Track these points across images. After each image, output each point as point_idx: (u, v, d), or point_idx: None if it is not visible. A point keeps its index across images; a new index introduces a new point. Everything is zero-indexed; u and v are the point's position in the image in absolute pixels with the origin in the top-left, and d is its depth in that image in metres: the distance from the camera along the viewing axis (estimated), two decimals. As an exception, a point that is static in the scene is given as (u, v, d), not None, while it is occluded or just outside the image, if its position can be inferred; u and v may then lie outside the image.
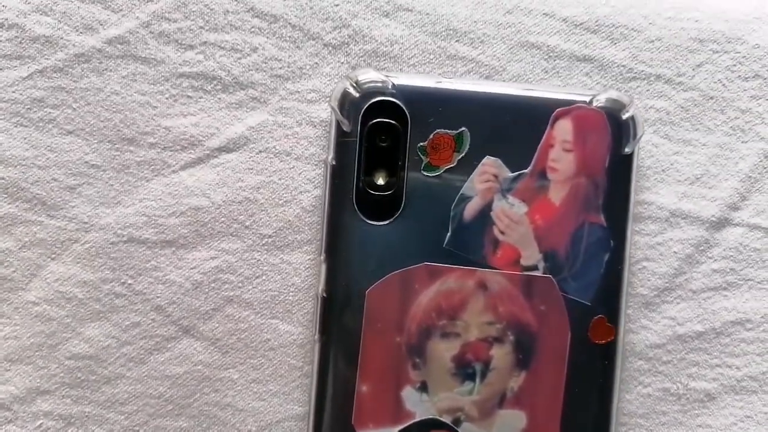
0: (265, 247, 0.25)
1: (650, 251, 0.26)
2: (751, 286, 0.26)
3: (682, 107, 0.26)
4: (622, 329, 0.25)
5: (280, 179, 0.25)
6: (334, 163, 0.24)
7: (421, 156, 0.24)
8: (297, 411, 0.26)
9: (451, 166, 0.24)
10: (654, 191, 0.26)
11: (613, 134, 0.24)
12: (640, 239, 0.26)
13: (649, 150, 0.26)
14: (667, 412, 0.26)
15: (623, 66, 0.26)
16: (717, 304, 0.26)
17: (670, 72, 0.26)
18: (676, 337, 0.26)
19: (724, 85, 0.26)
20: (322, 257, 0.24)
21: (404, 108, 0.24)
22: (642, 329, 0.26)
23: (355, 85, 0.24)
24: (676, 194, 0.26)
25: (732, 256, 0.26)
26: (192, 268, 0.25)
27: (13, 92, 0.25)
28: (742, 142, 0.26)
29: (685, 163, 0.26)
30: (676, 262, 0.26)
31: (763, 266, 0.26)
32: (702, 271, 0.26)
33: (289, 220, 0.25)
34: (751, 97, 0.26)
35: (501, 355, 0.25)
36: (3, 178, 0.25)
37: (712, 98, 0.26)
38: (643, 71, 0.26)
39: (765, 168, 0.26)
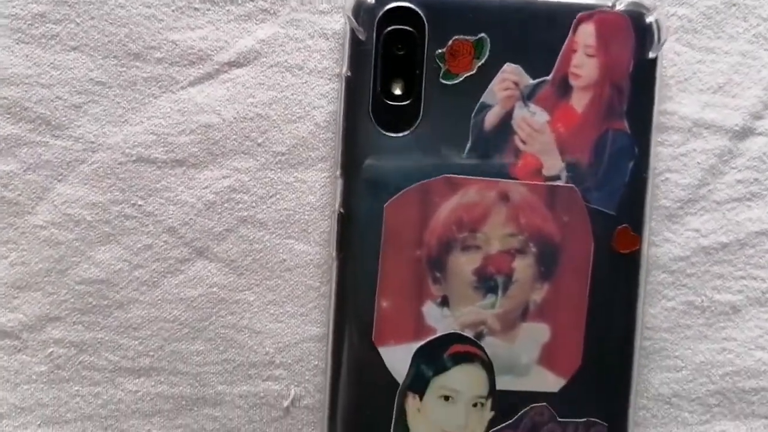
0: (279, 165, 0.25)
1: (673, 162, 0.26)
2: (775, 197, 0.26)
3: (704, 14, 0.26)
4: (647, 239, 0.25)
5: (292, 94, 0.25)
6: (349, 74, 0.24)
7: (440, 63, 0.24)
8: (315, 332, 0.25)
9: (471, 73, 0.24)
10: (676, 101, 0.26)
11: (637, 38, 0.24)
12: (662, 150, 0.26)
13: (671, 59, 0.26)
14: (692, 325, 0.26)
15: (644, -29, 0.26)
16: (741, 215, 0.26)
17: (691, -23, 0.26)
18: (700, 249, 0.26)
19: (746, -10, 0.26)
20: (338, 173, 0.24)
21: (421, 14, 0.24)
22: (665, 242, 0.26)
23: (370, -9, 0.23)
24: (698, 103, 0.26)
25: (756, 166, 0.26)
26: (204, 188, 0.25)
27: (14, 7, 0.24)
28: (765, 49, 0.26)
29: (708, 71, 0.26)
30: (700, 173, 0.26)
31: (787, 176, 0.26)
32: (726, 181, 0.26)
33: (303, 137, 0.25)
34: (774, 2, 0.26)
35: (523, 267, 0.24)
36: (5, 98, 0.24)
37: (734, 5, 0.26)
38: (664, -24, 0.26)
39: (789, 76, 0.26)
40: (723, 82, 0.26)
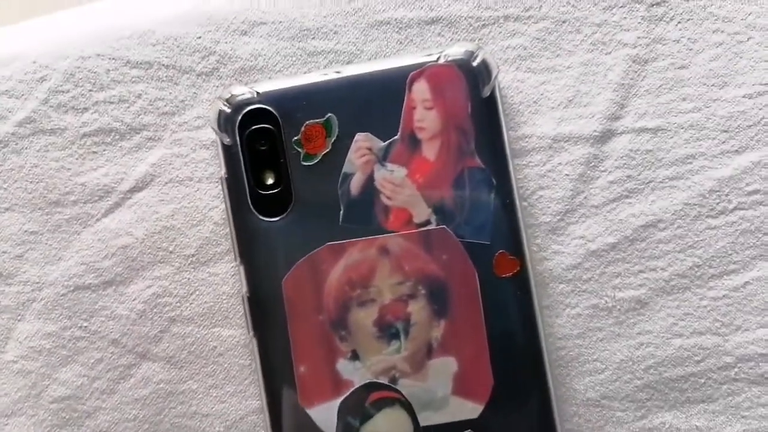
0: (192, 265, 0.29)
1: (542, 180, 0.28)
2: (654, 187, 0.28)
3: (537, 39, 0.29)
4: (528, 259, 0.27)
5: (189, 203, 0.29)
6: (226, 176, 0.28)
7: (298, 149, 0.28)
8: (255, 405, 0.29)
9: (327, 150, 0.28)
10: (530, 124, 0.29)
11: (469, 82, 0.27)
12: (529, 171, 0.29)
13: (516, 87, 0.29)
14: (602, 327, 0.28)
15: (471, 17, 0.29)
16: (623, 212, 0.28)
17: (517, 10, 0.29)
18: (590, 254, 0.28)
19: (573, 6, 0.28)
20: (237, 262, 0.28)
21: (273, 110, 0.28)
22: (554, 255, 0.28)
23: (226, 102, 0.28)
24: (553, 120, 0.28)
25: (625, 164, 0.28)
26: (133, 300, 0.30)
27: (-45, 189, 0.30)
28: (606, 53, 0.28)
29: (554, 89, 0.29)
30: (571, 184, 0.28)
31: (660, 165, 0.28)
32: (599, 185, 0.28)
33: (206, 237, 0.29)
34: (603, 9, 0.28)
35: (418, 309, 0.27)
36: (-36, 262, 0.30)
37: (564, 22, 0.28)
38: (490, 17, 0.29)
39: (636, 72, 0.28)
40: (571, 95, 0.28)
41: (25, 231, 0.30)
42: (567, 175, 0.28)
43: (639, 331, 0.28)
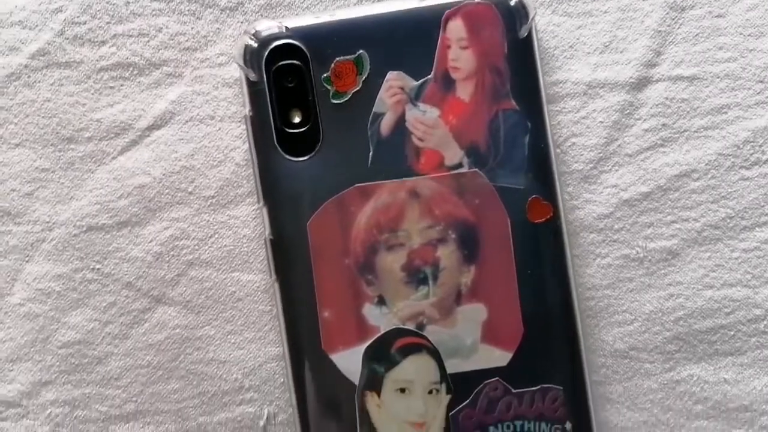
0: (211, 207, 0.29)
1: (576, 126, 0.28)
2: (689, 137, 0.28)
3: (574, -19, 0.28)
4: (561, 205, 0.27)
5: (210, 142, 0.29)
6: (251, 113, 0.27)
7: (327, 86, 0.27)
8: (275, 352, 0.29)
9: (357, 89, 0.27)
10: (565, 69, 0.28)
11: (506, 22, 0.27)
12: (563, 118, 0.28)
13: (551, 31, 0.28)
14: (633, 278, 0.28)
15: (507, -43, 0.28)
16: (657, 161, 0.28)
17: (554, -49, 0.28)
18: (623, 203, 0.28)
19: (611, -51, 0.28)
20: (260, 203, 0.27)
21: (301, 46, 0.27)
22: (586, 203, 0.28)
23: (253, 37, 0.27)
24: (588, 66, 0.28)
25: (661, 112, 0.28)
26: (150, 242, 0.29)
27: (-39, 121, 0.29)
28: (644, -1, 0.28)
29: (590, 34, 0.28)
30: (605, 131, 0.28)
31: (695, 114, 0.28)
32: (633, 133, 0.28)
33: (227, 178, 0.29)
34: (642, -47, 0.28)
35: (447, 254, 0.27)
36: (-31, 200, 0.29)
37: (603, -35, 0.28)
38: (526, -43, 0.28)
39: (673, 19, 0.28)
40: (608, 40, 0.28)
41: (36, 168, 0.29)
42: (601, 122, 0.28)
43: (669, 282, 0.28)
